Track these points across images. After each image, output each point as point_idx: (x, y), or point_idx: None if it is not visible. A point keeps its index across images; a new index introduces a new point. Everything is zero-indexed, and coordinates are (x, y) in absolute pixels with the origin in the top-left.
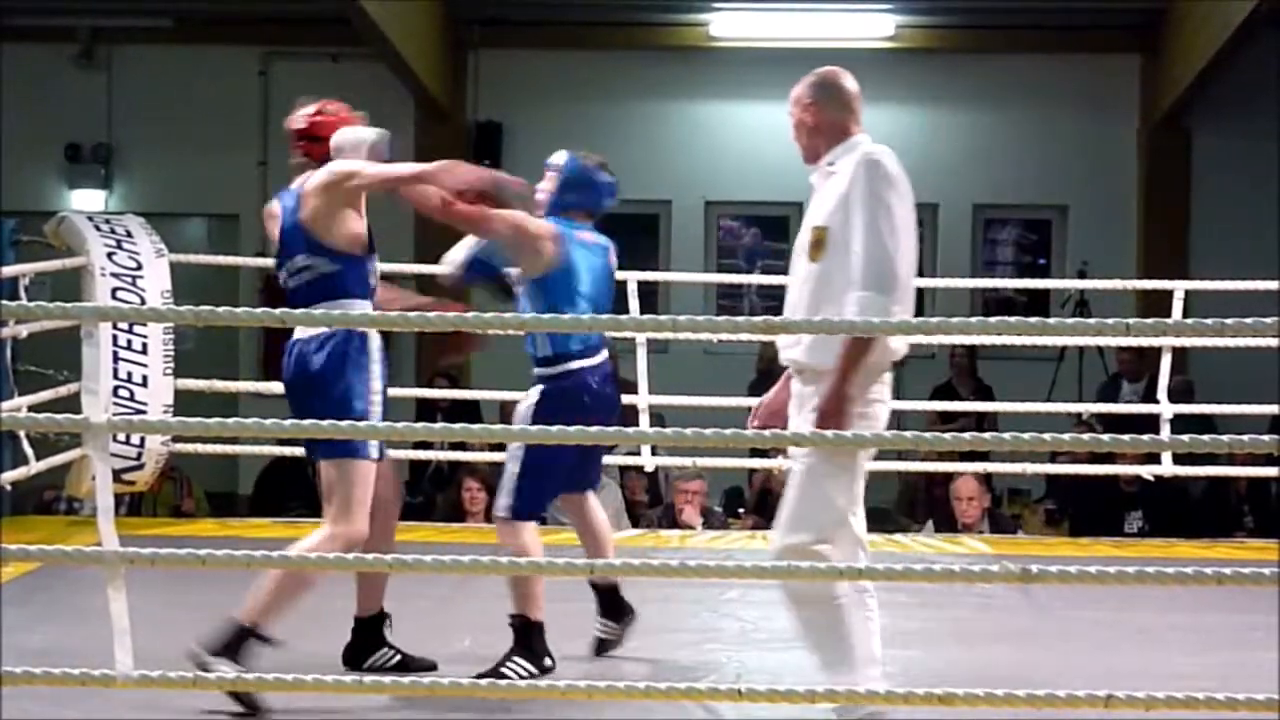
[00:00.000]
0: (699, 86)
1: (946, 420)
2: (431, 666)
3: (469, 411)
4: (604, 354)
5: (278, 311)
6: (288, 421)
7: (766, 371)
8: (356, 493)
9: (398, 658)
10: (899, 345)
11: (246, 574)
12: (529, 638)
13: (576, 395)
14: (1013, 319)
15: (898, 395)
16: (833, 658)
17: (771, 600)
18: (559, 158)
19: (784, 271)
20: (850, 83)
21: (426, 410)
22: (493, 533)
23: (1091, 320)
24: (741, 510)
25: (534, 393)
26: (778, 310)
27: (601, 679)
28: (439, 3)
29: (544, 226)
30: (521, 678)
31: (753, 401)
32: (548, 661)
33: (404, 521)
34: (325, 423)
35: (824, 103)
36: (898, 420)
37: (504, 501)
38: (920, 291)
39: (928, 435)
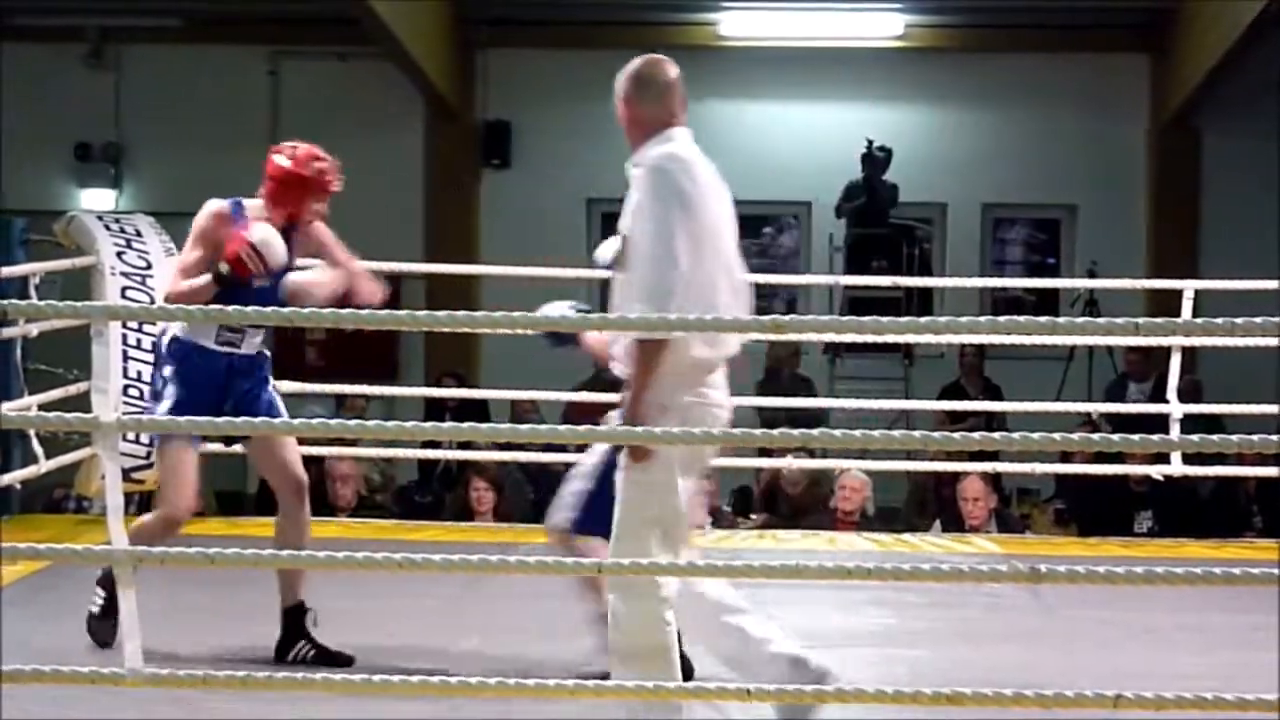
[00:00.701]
0: (708, 86)
1: (955, 420)
2: (349, 661)
3: (478, 411)
4: None
5: (285, 310)
6: (297, 420)
7: (774, 370)
8: (169, 476)
9: (313, 651)
10: (704, 351)
11: (254, 572)
12: None
13: None
14: (1021, 318)
15: (906, 395)
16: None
17: (778, 600)
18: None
19: (793, 270)
20: (668, 73)
21: (435, 409)
22: (502, 532)
23: (1100, 320)
24: (751, 512)
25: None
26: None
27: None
28: (448, 2)
29: None
30: None
31: (760, 401)
32: None
33: (413, 520)
34: (334, 421)
35: (638, 96)
36: (906, 420)
37: (566, 515)
38: (928, 292)
39: (935, 435)
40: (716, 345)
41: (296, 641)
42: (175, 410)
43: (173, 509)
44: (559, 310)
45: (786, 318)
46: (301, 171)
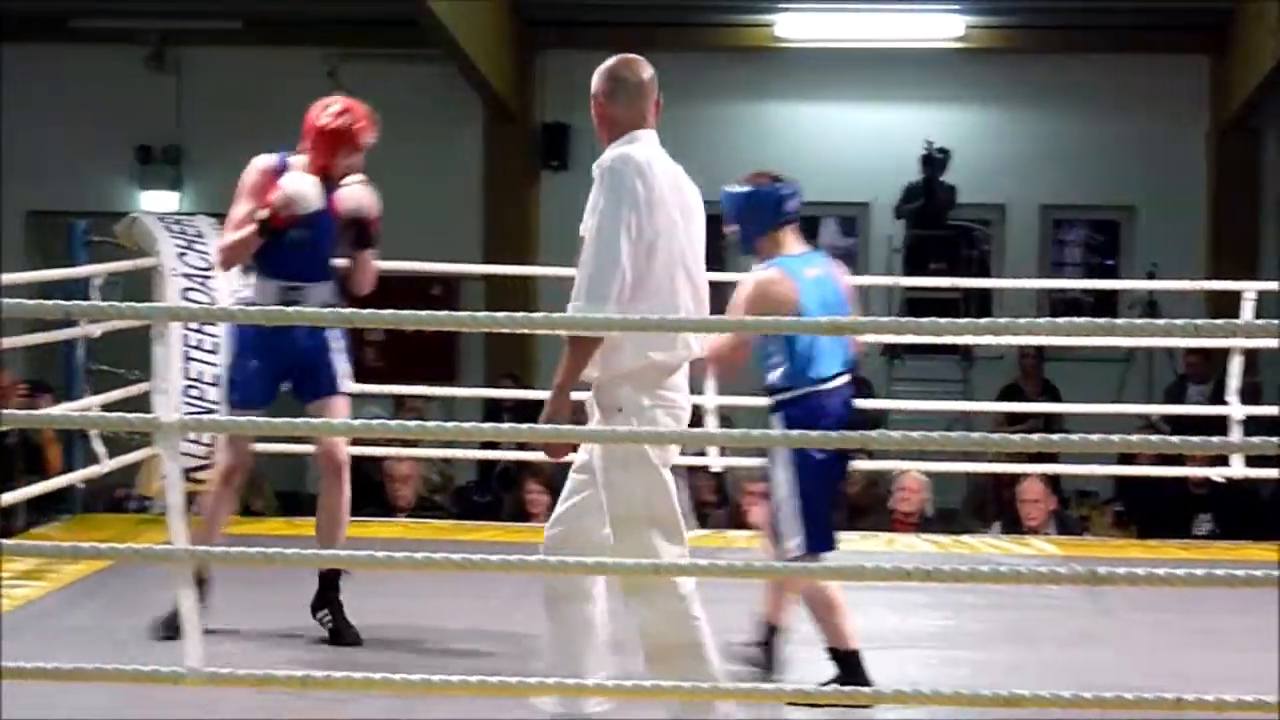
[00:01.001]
0: (766, 87)
1: (1015, 422)
2: (356, 641)
3: (535, 411)
4: (848, 375)
5: (346, 311)
6: (357, 421)
7: None
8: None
9: (331, 622)
10: (661, 354)
11: (314, 572)
12: (847, 668)
13: (822, 422)
14: (1080, 320)
15: (965, 396)
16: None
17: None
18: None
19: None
20: (642, 74)
21: (493, 410)
22: None
23: (1160, 321)
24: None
25: (775, 421)
26: None
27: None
28: (507, 4)
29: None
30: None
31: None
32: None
33: (472, 521)
34: (393, 422)
35: (610, 96)
36: (965, 421)
37: (794, 542)
38: (987, 293)
39: (994, 436)
40: (674, 347)
41: (322, 608)
42: (237, 366)
43: (229, 459)
44: None
45: (846, 319)
46: (329, 124)
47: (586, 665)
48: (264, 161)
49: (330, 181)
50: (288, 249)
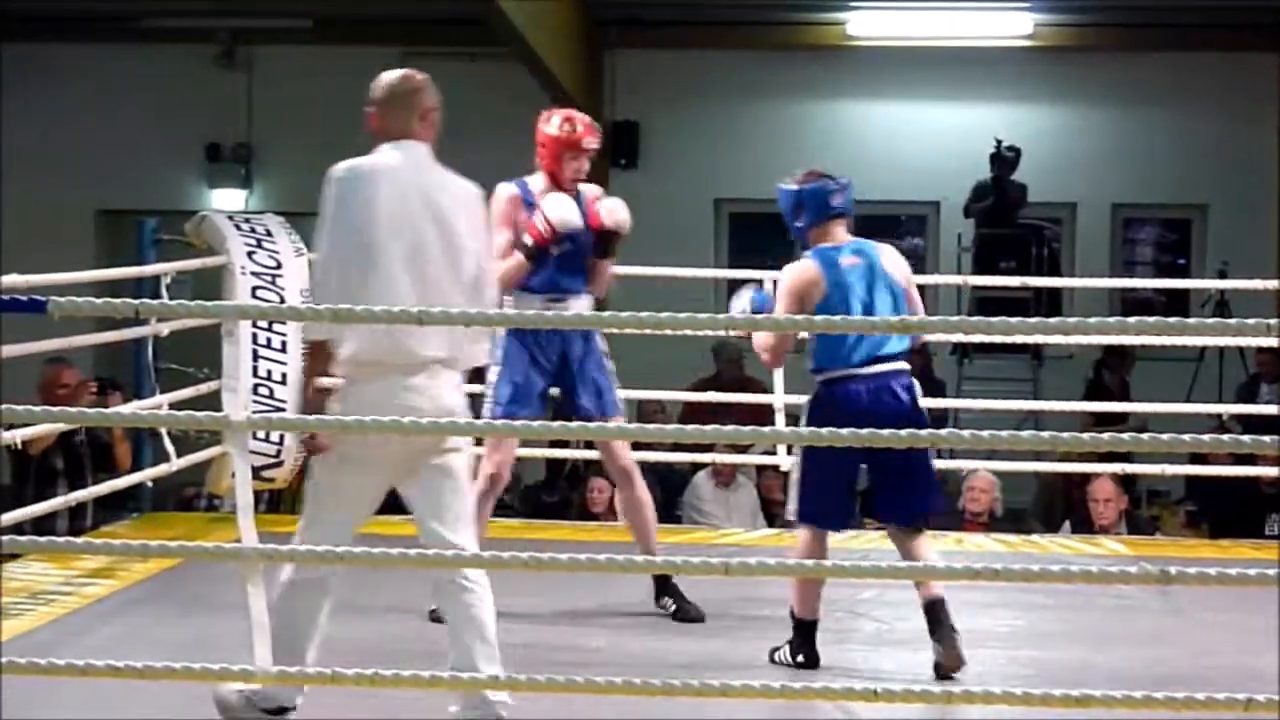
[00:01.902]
0: (836, 86)
1: (1104, 422)
2: (700, 618)
3: None
4: (890, 364)
5: (414, 310)
6: (424, 419)
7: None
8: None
9: (675, 607)
10: (357, 350)
11: (380, 570)
12: (802, 636)
13: (841, 407)
14: (1151, 319)
15: (1035, 395)
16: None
17: (906, 600)
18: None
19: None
20: (410, 85)
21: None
22: (623, 531)
23: (1231, 321)
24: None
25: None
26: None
27: (737, 678)
28: (576, 2)
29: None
30: (783, 664)
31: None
32: (801, 658)
33: (541, 520)
34: (463, 421)
35: (379, 106)
36: (1035, 420)
37: (790, 506)
38: (1057, 292)
39: (1064, 435)
40: (381, 347)
41: (664, 595)
42: (504, 377)
43: (493, 467)
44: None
45: (915, 318)
46: (551, 131)
47: (307, 656)
48: (508, 190)
49: (563, 188)
50: (548, 265)
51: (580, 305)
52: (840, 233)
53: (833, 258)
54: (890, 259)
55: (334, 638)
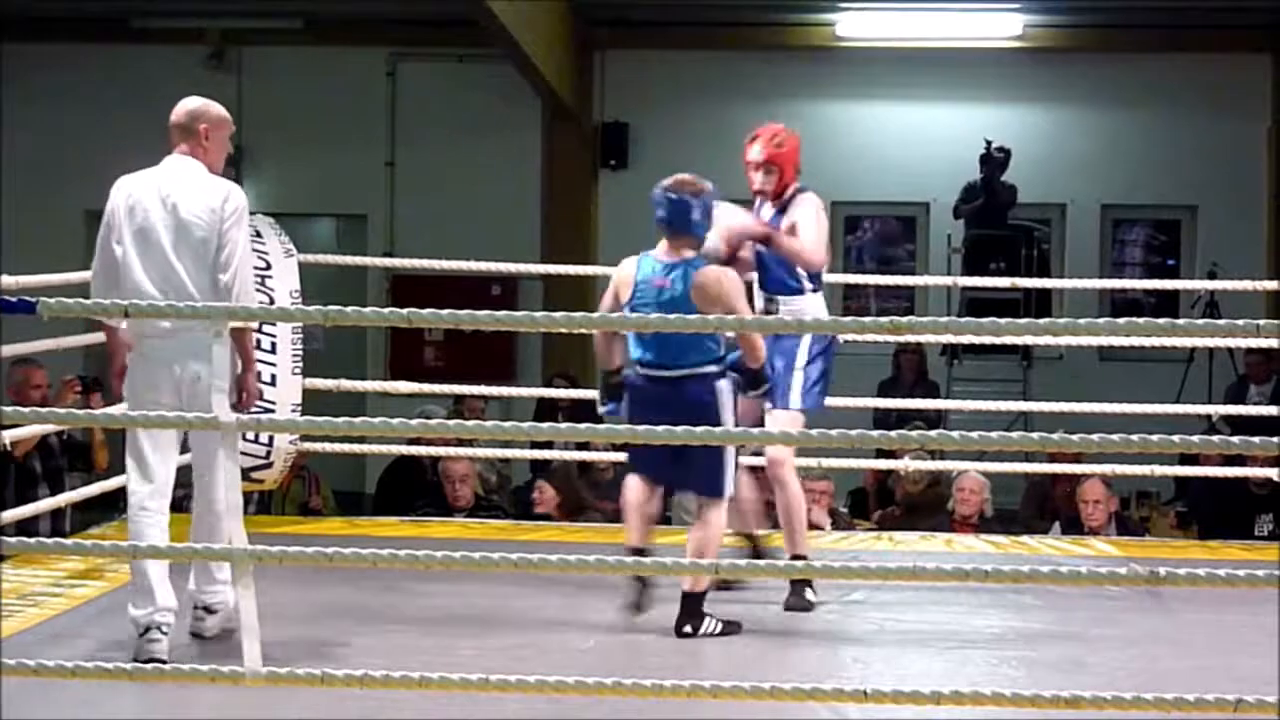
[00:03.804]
0: (825, 87)
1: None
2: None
3: (591, 412)
4: (671, 371)
5: (405, 311)
6: (414, 421)
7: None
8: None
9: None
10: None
11: (373, 572)
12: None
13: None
14: (1141, 320)
15: (1025, 396)
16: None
17: (897, 601)
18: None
19: (911, 271)
20: (182, 108)
21: (547, 410)
22: (613, 533)
23: (1221, 321)
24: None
25: None
26: (906, 310)
27: (726, 679)
28: (566, 4)
29: None
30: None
31: (882, 402)
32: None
33: (528, 521)
34: (452, 422)
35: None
36: (1025, 421)
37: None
38: (1047, 293)
39: (1053, 436)
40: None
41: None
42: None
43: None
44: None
45: (905, 319)
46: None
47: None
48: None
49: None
50: (764, 267)
51: (795, 304)
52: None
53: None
54: (704, 271)
55: (333, 639)
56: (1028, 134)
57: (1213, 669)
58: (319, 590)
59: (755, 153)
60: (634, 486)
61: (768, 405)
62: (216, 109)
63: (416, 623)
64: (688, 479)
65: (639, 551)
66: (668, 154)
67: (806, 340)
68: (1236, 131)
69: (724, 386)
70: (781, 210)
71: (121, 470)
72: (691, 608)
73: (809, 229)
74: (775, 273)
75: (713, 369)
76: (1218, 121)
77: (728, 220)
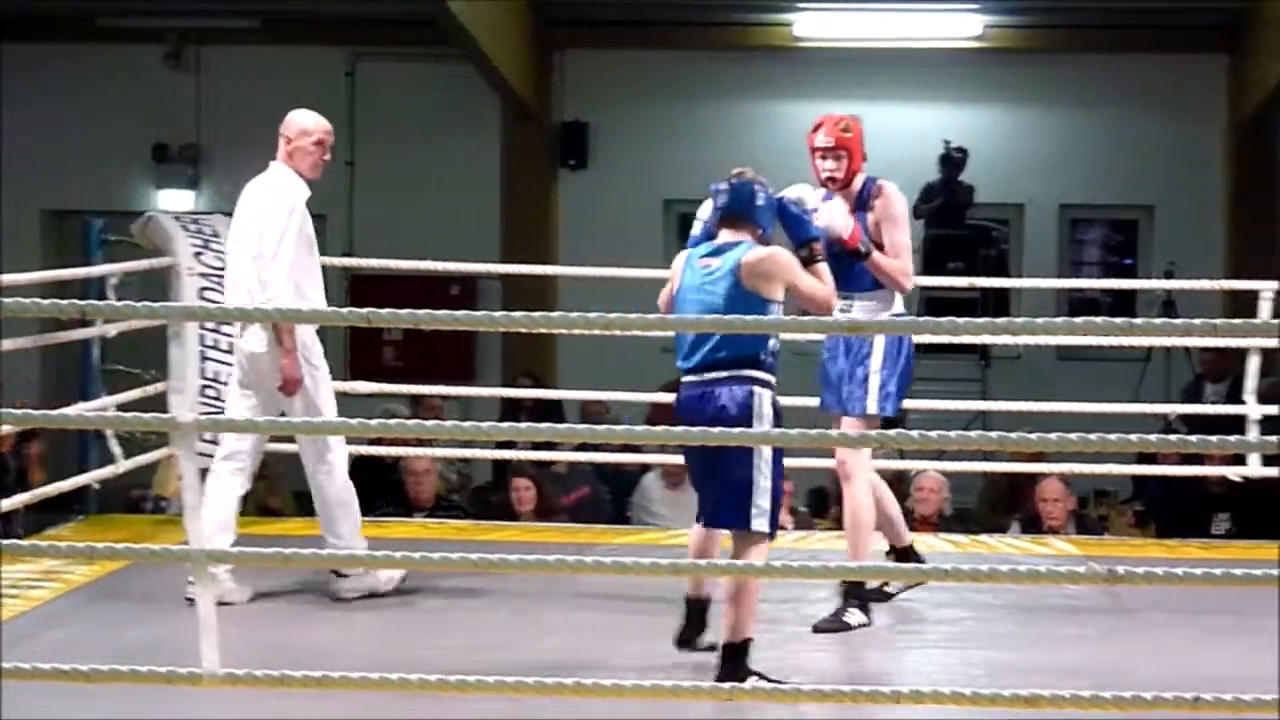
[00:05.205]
0: (784, 87)
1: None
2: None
3: (555, 412)
4: (702, 374)
5: (364, 311)
6: (374, 421)
7: None
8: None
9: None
10: None
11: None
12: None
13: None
14: (1099, 320)
15: (983, 396)
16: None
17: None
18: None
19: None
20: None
21: (510, 410)
22: (580, 533)
23: (1178, 321)
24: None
25: None
26: None
27: (686, 679)
28: (525, 4)
29: None
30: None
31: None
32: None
33: (489, 521)
34: (411, 422)
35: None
36: (983, 421)
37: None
38: (1005, 292)
39: (1012, 435)
40: None
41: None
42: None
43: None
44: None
45: (863, 318)
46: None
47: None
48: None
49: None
50: (836, 266)
51: (864, 305)
52: (723, 231)
53: (692, 255)
54: (744, 260)
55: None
56: (986, 134)
57: (1171, 666)
58: (279, 590)
59: (822, 139)
60: (694, 529)
61: (839, 411)
62: (298, 120)
63: (378, 623)
64: (713, 511)
65: (692, 601)
66: (628, 154)
67: (880, 342)
68: (1193, 132)
69: (762, 396)
70: (861, 205)
71: (86, 470)
72: (734, 662)
73: (903, 245)
74: (856, 267)
75: (750, 372)
76: (1175, 122)
77: (829, 218)
